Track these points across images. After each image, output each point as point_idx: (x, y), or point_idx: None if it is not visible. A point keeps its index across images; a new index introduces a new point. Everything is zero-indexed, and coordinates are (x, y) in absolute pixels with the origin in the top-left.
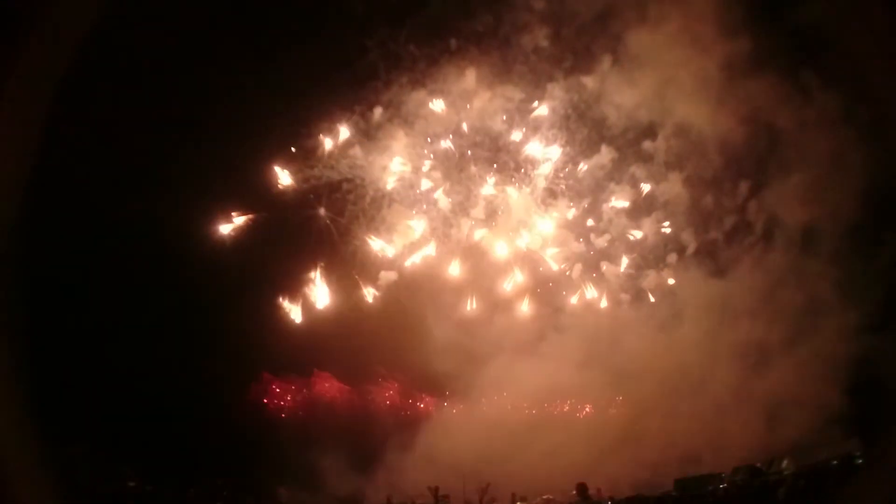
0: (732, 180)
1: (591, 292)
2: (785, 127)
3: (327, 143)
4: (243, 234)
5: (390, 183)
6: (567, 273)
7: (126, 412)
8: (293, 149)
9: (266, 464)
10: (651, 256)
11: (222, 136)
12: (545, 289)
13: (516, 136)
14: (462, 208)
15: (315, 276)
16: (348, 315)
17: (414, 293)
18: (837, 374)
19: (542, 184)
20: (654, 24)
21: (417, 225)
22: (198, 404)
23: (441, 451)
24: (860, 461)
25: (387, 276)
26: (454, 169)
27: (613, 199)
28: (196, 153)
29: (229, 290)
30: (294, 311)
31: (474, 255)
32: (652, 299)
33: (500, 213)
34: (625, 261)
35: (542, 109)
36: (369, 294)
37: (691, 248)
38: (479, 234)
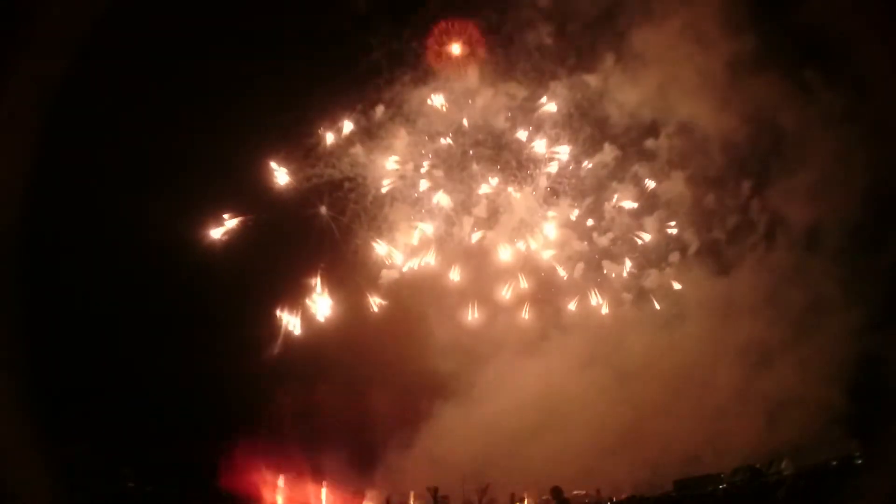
0: (735, 179)
1: (592, 292)
2: (788, 126)
3: (329, 140)
4: (244, 233)
5: (392, 181)
6: (569, 273)
7: (126, 412)
8: (295, 147)
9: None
10: (653, 256)
11: (223, 135)
12: (546, 289)
13: (519, 134)
14: (464, 207)
15: (316, 283)
16: (351, 321)
17: (415, 292)
18: (838, 373)
19: (544, 183)
20: (658, 22)
21: (420, 225)
22: (198, 404)
23: (441, 451)
24: (860, 461)
25: (388, 274)
26: (456, 167)
27: (616, 198)
28: (196, 153)
29: (231, 291)
30: (293, 323)
31: (476, 254)
32: (654, 300)
33: (501, 212)
34: (628, 264)
35: (550, 106)
36: (374, 304)
37: (694, 248)
38: (481, 233)
